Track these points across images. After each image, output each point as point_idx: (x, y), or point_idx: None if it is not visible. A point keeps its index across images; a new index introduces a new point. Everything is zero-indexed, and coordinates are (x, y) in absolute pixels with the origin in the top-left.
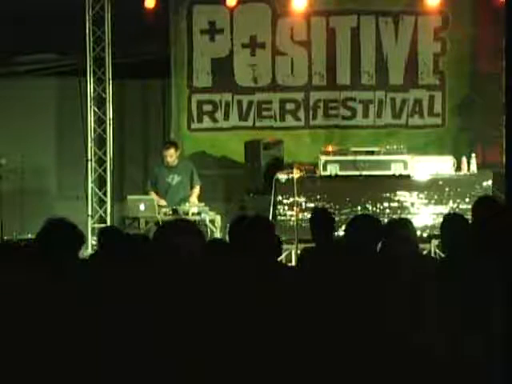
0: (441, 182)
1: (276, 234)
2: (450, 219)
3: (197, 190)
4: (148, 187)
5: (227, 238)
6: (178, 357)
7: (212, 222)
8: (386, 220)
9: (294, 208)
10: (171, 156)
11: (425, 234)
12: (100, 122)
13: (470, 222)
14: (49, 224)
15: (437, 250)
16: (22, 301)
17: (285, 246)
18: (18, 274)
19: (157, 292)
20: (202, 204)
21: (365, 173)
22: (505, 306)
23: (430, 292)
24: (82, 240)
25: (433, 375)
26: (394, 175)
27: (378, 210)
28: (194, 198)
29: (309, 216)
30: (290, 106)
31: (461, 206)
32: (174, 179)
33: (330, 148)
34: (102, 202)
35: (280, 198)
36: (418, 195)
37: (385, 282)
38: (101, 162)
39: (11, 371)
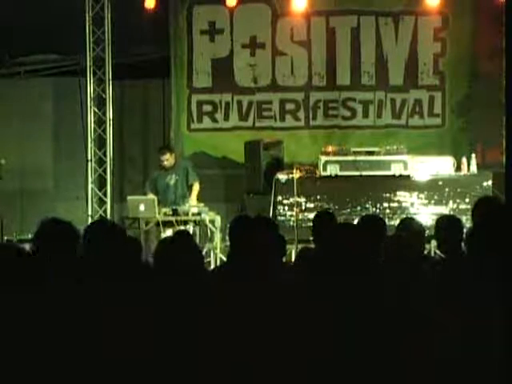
0: (441, 183)
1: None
2: (445, 221)
3: (196, 188)
4: (146, 189)
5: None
6: (177, 359)
7: (212, 222)
8: (386, 220)
9: (294, 208)
10: (167, 160)
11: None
12: (100, 122)
13: (464, 222)
14: (44, 223)
15: (437, 251)
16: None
17: None
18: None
19: (156, 294)
20: (202, 204)
21: (365, 173)
22: (506, 306)
23: (429, 292)
24: (77, 235)
25: (433, 376)
26: (393, 175)
27: (377, 210)
28: (193, 197)
29: (309, 216)
30: (289, 106)
31: (461, 207)
32: (172, 179)
33: (330, 148)
34: (102, 203)
35: (280, 198)
36: (417, 195)
37: (382, 283)
38: (101, 162)
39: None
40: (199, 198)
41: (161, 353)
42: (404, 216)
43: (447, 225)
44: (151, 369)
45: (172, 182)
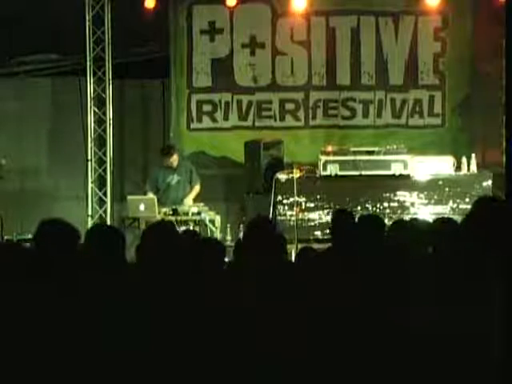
0: (441, 182)
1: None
2: (441, 223)
3: (196, 190)
4: (146, 187)
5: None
6: (175, 357)
7: (212, 221)
8: (386, 220)
9: (294, 208)
10: (175, 160)
11: None
12: (100, 122)
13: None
14: (44, 223)
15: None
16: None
17: None
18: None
19: (154, 293)
20: (202, 204)
21: (365, 173)
22: (505, 306)
23: (428, 291)
24: (78, 236)
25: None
26: (394, 175)
27: (378, 210)
28: (189, 198)
29: (309, 216)
30: (289, 106)
31: (461, 206)
32: (174, 179)
33: (329, 148)
34: (102, 202)
35: (280, 198)
36: (418, 195)
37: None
38: (101, 162)
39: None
40: (197, 199)
41: (158, 352)
42: (404, 216)
43: (444, 228)
44: (150, 368)
45: (174, 182)
